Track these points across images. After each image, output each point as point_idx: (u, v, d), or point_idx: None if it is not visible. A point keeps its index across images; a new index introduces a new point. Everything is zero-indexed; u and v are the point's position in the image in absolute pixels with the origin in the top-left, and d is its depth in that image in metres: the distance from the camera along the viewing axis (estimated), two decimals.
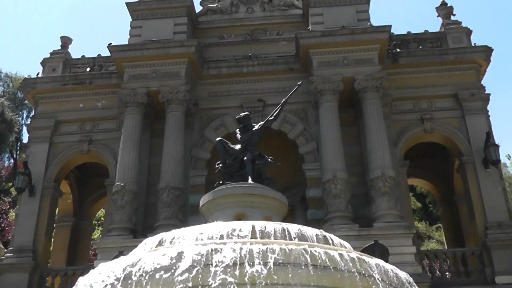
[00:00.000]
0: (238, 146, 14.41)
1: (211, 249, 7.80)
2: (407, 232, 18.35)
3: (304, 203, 21.94)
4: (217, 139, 15.12)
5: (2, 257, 20.59)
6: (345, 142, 20.64)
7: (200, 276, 7.46)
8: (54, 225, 24.21)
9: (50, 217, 22.16)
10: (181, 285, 7.53)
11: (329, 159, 20.01)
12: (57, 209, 24.25)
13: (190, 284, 7.54)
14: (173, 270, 7.61)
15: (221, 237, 9.16)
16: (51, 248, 24.05)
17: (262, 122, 14.97)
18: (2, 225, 33.65)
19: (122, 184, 19.90)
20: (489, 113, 21.84)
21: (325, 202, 19.43)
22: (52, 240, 24.25)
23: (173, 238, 9.61)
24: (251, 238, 8.96)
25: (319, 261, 7.73)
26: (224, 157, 14.36)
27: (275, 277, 7.55)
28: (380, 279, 8.25)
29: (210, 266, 7.53)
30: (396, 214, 18.87)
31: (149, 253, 8.32)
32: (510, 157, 47.31)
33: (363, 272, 8.15)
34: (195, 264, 7.59)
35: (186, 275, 7.54)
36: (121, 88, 21.95)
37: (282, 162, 16.31)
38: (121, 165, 20.52)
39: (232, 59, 23.47)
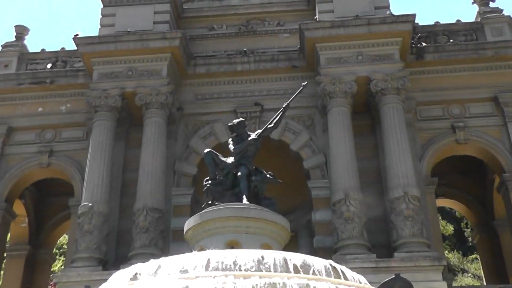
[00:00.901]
0: (230, 159, 14.44)
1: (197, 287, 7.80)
2: (436, 264, 18.38)
3: (310, 228, 22.04)
4: (206, 150, 15.12)
5: None
6: (359, 155, 20.73)
7: None
8: (5, 254, 24.02)
9: (0, 244, 22.09)
10: None
11: (340, 175, 20.03)
12: (9, 235, 24.20)
13: None
14: None
15: (209, 269, 9.13)
16: (0, 282, 24.00)
17: (260, 131, 15.02)
18: None
19: (90, 204, 19.85)
20: None
21: (335, 227, 19.45)
22: (2, 272, 24.10)
23: (151, 271, 9.55)
24: (245, 271, 8.95)
25: None
26: (214, 172, 14.40)
27: None
28: None
29: None
30: (422, 242, 18.86)
31: None
32: None
33: None
34: None
35: None
36: (90, 89, 22.03)
37: (284, 178, 16.07)
38: (89, 181, 20.47)
39: (224, 54, 23.63)
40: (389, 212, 19.59)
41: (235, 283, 7.77)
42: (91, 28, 65.66)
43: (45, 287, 26.39)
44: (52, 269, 27.68)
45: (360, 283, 9.61)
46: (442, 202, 27.52)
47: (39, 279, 25.53)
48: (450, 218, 47.38)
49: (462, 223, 47.80)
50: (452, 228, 47.96)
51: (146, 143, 21.17)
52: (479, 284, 34.33)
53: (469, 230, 46.51)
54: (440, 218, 32.68)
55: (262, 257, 9.42)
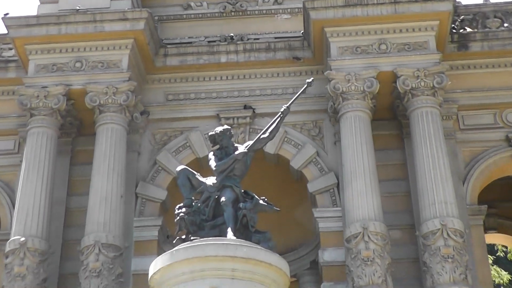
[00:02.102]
0: (212, 180, 14.64)
1: None
2: None
3: (316, 272, 22.01)
4: (179, 168, 15.42)
5: None
6: (382, 175, 20.80)
7: None
8: None
9: None
10: None
11: (356, 201, 19.75)
12: None
13: None
14: None
15: None
16: None
17: (251, 142, 15.27)
18: None
19: (23, 239, 19.40)
20: None
21: (350, 271, 19.18)
22: None
23: None
24: None
25: None
26: (190, 196, 14.72)
27: None
28: None
29: None
30: None
31: None
32: None
33: None
34: None
35: None
36: (24, 86, 21.84)
37: (282, 205, 16.64)
38: (22, 208, 20.10)
39: (204, 41, 23.70)
40: (422, 251, 19.33)
41: None
42: (27, 6, 65.70)
43: None
44: None
45: None
46: (493, 238, 27.51)
47: None
48: (504, 261, 47.07)
49: None
50: (508, 276, 47.33)
51: (99, 158, 20.92)
52: None
53: None
54: (490, 260, 32.55)
55: None
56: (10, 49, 23.45)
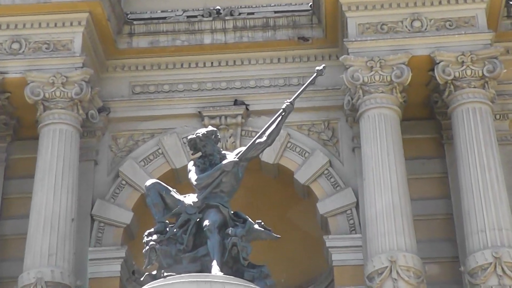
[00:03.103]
0: (192, 198, 14.69)
1: None
2: None
3: None
4: (149, 182, 15.45)
5: None
6: (416, 191, 20.65)
7: None
8: None
9: None
10: None
11: (381, 227, 19.58)
12: None
13: None
14: None
15: None
16: None
17: (243, 149, 15.30)
18: None
19: None
20: None
21: None
22: None
23: None
24: None
25: None
26: (163, 220, 14.77)
27: None
28: None
29: None
30: None
31: None
32: None
33: None
34: None
35: None
36: None
37: (284, 231, 16.63)
38: None
39: (182, 16, 23.65)
40: None
41: None
42: None
43: None
44: None
45: None
46: None
47: None
48: None
49: None
50: None
51: (43, 169, 20.60)
52: None
53: None
54: None
55: None
56: None
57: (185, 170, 16.11)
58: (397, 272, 18.57)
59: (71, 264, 19.80)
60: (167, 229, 14.68)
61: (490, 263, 18.47)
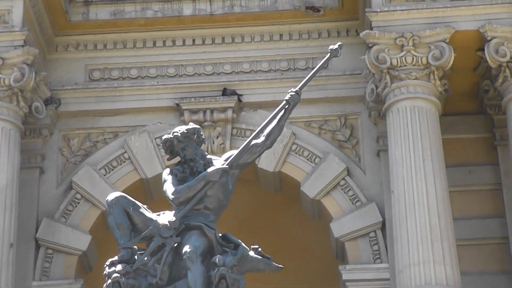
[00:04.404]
0: (168, 216, 14.53)
1: None
2: None
3: None
4: (111, 196, 15.09)
5: None
6: (460, 208, 20.85)
7: None
8: None
9: None
10: None
11: (416, 254, 19.54)
12: None
13: None
14: None
15: None
16: None
17: (235, 152, 14.96)
18: None
19: None
20: None
21: None
22: None
23: None
24: None
25: None
26: (130, 245, 14.52)
27: None
28: None
29: None
30: None
31: None
32: None
33: None
34: None
35: None
36: None
37: (288, 260, 16.55)
38: None
39: None
40: None
41: None
42: None
43: None
44: None
45: None
46: None
47: None
48: None
49: None
50: None
51: None
52: None
53: None
54: None
55: None
56: None
57: (159, 180, 15.34)
58: None
59: None
60: (135, 257, 14.01)
61: None
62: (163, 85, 23.20)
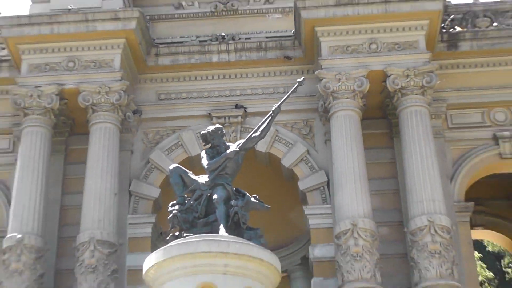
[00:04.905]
0: (204, 178, 14.75)
1: None
2: None
3: (307, 268, 22.42)
4: (171, 166, 15.44)
5: None
6: (372, 173, 21.11)
7: None
8: None
9: None
10: None
11: (346, 199, 20.24)
12: None
13: None
14: None
15: None
16: None
17: (242, 141, 15.37)
18: None
19: (19, 236, 19.85)
20: None
21: (339, 267, 19.59)
22: None
23: None
24: None
25: None
26: (182, 194, 14.75)
27: None
28: None
29: None
30: (453, 285, 18.97)
31: None
32: None
33: None
34: None
35: None
36: (17, 85, 21.99)
37: (273, 203, 16.54)
38: (18, 206, 20.54)
39: (195, 41, 23.88)
40: (410, 247, 19.78)
41: None
42: (19, 5, 65.57)
43: None
44: None
45: None
46: (480, 234, 27.81)
47: None
48: (488, 258, 47.84)
49: (502, 262, 48.40)
50: (492, 274, 48.36)
51: (92, 156, 21.28)
52: None
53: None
54: (477, 256, 32.90)
55: None
56: (3, 48, 23.45)
57: (198, 157, 16.07)
58: (357, 233, 19.38)
59: (115, 227, 20.51)
60: (186, 201, 14.48)
61: (426, 226, 19.29)
62: (201, 102, 23.37)
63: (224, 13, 24.67)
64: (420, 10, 21.85)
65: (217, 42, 23.53)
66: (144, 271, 13.41)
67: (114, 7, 22.94)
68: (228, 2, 24.70)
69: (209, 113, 22.78)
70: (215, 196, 14.36)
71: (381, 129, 22.58)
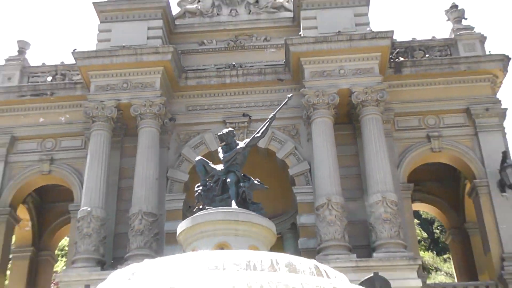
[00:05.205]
0: (220, 167, 14.37)
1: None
2: (412, 264, 18.38)
3: (295, 231, 22.01)
4: (196, 158, 15.13)
5: None
6: (341, 162, 20.73)
7: None
8: (10, 256, 24.07)
9: (5, 246, 21.96)
10: None
11: (323, 181, 20.04)
12: (14, 238, 24.08)
13: None
14: None
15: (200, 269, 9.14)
16: (6, 281, 23.83)
17: (248, 140, 15.00)
18: None
19: (89, 209, 19.84)
20: (506, 130, 21.93)
21: (318, 230, 19.48)
22: (8, 272, 24.12)
23: (146, 271, 9.55)
24: (234, 271, 8.99)
25: None
26: (204, 178, 14.36)
27: None
28: None
29: None
30: (399, 243, 18.94)
31: None
32: None
33: None
34: None
35: None
36: (87, 101, 21.84)
37: (270, 184, 16.10)
38: (88, 187, 20.47)
39: (214, 68, 23.48)
40: (369, 216, 19.60)
41: (223, 284, 7.87)
42: (89, 43, 65.68)
43: (48, 286, 26.21)
44: (54, 270, 27.51)
45: (341, 281, 9.70)
46: (418, 207, 27.60)
47: (43, 279, 25.45)
48: (424, 223, 48.12)
49: (433, 226, 48.56)
50: (426, 234, 48.93)
51: (140, 151, 21.07)
52: (451, 281, 34.43)
53: (439, 234, 47.60)
54: (416, 222, 32.84)
55: (249, 261, 9.45)
56: (77, 74, 23.28)
57: (216, 152, 15.78)
58: (331, 206, 19.25)
59: (156, 203, 20.36)
60: (207, 184, 14.00)
61: (380, 200, 19.17)
62: (218, 112, 22.91)
63: (234, 48, 24.25)
64: (374, 45, 21.62)
65: (229, 69, 23.11)
66: (177, 233, 13.06)
67: (155, 44, 22.66)
68: (237, 40, 24.34)
69: (223, 120, 22.23)
70: (228, 180, 13.90)
71: (348, 131, 22.02)
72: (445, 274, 44.68)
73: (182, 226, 12.99)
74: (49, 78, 24.15)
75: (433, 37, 24.12)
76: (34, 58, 50.55)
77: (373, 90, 21.05)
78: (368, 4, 23.11)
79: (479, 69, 22.62)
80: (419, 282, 18.25)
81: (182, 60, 23.52)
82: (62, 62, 24.69)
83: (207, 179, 14.32)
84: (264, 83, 22.97)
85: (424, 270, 31.01)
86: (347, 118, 22.11)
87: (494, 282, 19.86)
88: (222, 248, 11.81)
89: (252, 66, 23.34)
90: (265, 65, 23.39)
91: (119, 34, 23.05)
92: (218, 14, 25.17)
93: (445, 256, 45.89)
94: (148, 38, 22.99)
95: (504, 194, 20.55)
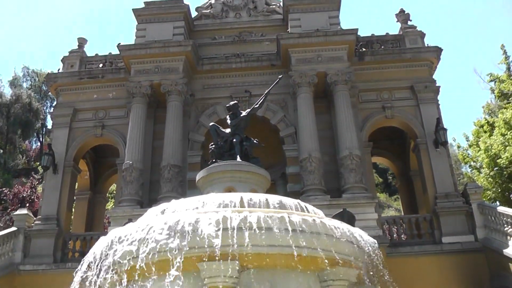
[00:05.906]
0: (228, 130, 14.21)
1: (205, 217, 7.89)
2: (370, 202, 18.32)
3: (284, 178, 21.73)
4: (210, 124, 14.87)
5: (32, 224, 20.29)
6: (319, 127, 20.42)
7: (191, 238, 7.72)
8: (74, 198, 24.13)
9: (71, 191, 21.94)
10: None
11: (305, 141, 19.79)
12: (76, 184, 24.04)
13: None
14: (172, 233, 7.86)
15: (214, 206, 9.18)
16: (72, 217, 23.97)
17: (249, 110, 14.75)
18: (32, 197, 33.56)
19: (131, 162, 19.64)
20: (439, 103, 21.68)
21: (301, 177, 19.27)
22: (73, 210, 24.25)
23: (174, 208, 9.71)
24: (239, 207, 9.06)
25: (297, 226, 7.86)
26: (216, 139, 14.17)
27: (260, 239, 7.68)
28: (348, 240, 8.49)
29: (199, 230, 7.71)
30: (362, 187, 18.82)
31: (155, 218, 8.50)
32: (455, 139, 49.23)
33: (333, 234, 8.28)
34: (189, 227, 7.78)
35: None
36: (129, 82, 21.51)
37: (266, 144, 16.17)
38: (129, 146, 20.20)
39: (223, 56, 22.92)
40: (339, 166, 19.42)
41: (231, 217, 7.84)
42: (129, 38, 65.44)
43: (101, 220, 26.49)
44: (106, 208, 27.67)
45: (318, 215, 9.72)
46: (375, 159, 27.24)
47: (98, 215, 25.63)
48: (380, 172, 48.25)
49: (387, 174, 48.70)
50: (381, 179, 49.14)
51: (168, 119, 20.68)
52: (399, 214, 34.63)
53: (391, 180, 47.74)
54: (374, 171, 32.81)
55: (251, 198, 9.49)
56: (121, 62, 22.86)
57: (225, 119, 15.03)
58: (312, 159, 19.06)
59: (180, 158, 20.07)
60: (218, 143, 14.02)
61: (348, 155, 19.02)
62: (226, 89, 22.22)
63: (238, 42, 23.62)
64: (343, 40, 21.19)
65: (235, 57, 22.69)
66: (196, 180, 13.09)
67: (179, 39, 22.22)
68: (240, 36, 23.73)
69: (230, 95, 21.59)
70: (234, 140, 13.79)
71: (324, 103, 21.41)
72: (395, 210, 45.13)
73: (200, 175, 12.90)
74: (101, 65, 23.73)
75: (387, 33, 23.61)
76: (89, 50, 50.12)
77: (343, 73, 20.61)
78: (339, 9, 22.56)
79: (420, 57, 22.26)
80: (375, 216, 18.23)
81: (199, 51, 22.99)
82: (110, 53, 24.23)
83: (218, 140, 14.12)
84: (261, 68, 22.45)
85: (380, 207, 30.97)
86: (323, 94, 21.60)
87: (430, 215, 19.92)
88: (229, 191, 11.72)
89: (252, 55, 22.77)
90: (262, 54, 22.69)
91: (152, 32, 22.51)
92: (226, 17, 24.48)
93: (395, 196, 46.23)
94: (173, 35, 22.46)
95: (437, 149, 20.51)
